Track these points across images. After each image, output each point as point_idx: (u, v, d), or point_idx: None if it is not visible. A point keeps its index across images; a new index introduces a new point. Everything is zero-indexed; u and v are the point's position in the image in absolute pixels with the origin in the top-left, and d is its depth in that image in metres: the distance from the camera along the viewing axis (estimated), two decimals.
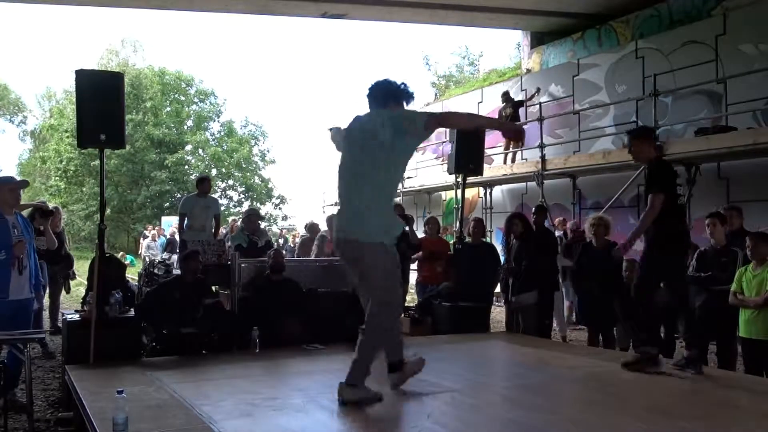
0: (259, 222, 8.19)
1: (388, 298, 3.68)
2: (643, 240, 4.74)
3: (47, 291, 7.57)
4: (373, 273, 3.65)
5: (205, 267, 5.97)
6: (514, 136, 3.82)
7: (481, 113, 14.48)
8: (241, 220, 10.28)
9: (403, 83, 3.86)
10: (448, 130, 14.87)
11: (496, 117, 12.85)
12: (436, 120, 3.75)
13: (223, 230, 14.20)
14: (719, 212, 5.71)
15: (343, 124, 3.96)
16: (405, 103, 3.86)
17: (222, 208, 33.70)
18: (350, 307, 5.94)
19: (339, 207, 3.88)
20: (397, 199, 14.22)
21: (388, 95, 3.83)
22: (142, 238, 22.48)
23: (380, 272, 3.65)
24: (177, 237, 11.69)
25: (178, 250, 9.45)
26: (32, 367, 4.70)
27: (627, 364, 4.62)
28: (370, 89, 3.87)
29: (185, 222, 8.37)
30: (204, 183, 8.65)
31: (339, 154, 3.91)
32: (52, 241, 6.86)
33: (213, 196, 9.40)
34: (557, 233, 9.34)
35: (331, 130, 4.17)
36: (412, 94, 3.91)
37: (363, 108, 3.94)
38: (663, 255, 4.50)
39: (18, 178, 5.45)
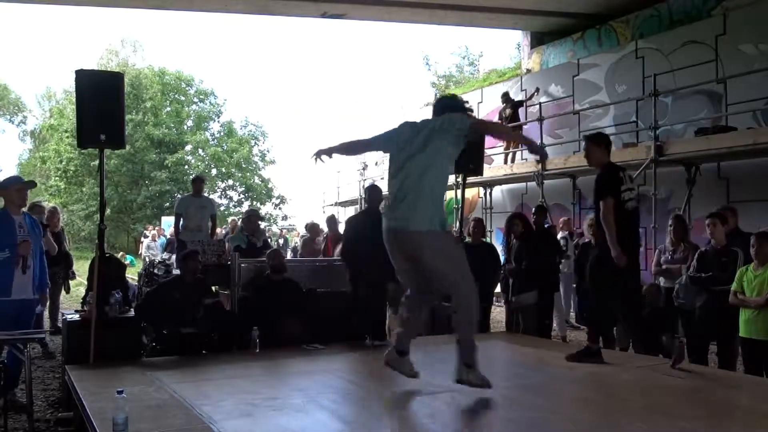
0: (259, 222, 8.19)
1: (462, 274, 3.86)
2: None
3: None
4: (440, 257, 3.79)
5: (205, 267, 5.97)
6: (540, 156, 4.21)
7: (480, 113, 14.50)
8: (241, 219, 10.29)
9: (467, 101, 4.26)
10: None
11: (496, 118, 12.87)
12: (477, 124, 4.02)
13: (222, 231, 14.20)
14: (720, 212, 5.71)
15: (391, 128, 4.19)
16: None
17: (222, 208, 33.39)
18: (350, 307, 5.97)
19: (394, 201, 3.94)
20: None
21: (448, 107, 4.05)
22: (142, 238, 22.48)
23: (446, 254, 3.82)
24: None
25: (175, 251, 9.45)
26: (32, 367, 4.70)
27: (569, 356, 4.91)
28: (435, 102, 4.19)
29: (181, 222, 8.39)
30: (196, 183, 8.68)
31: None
32: (51, 246, 6.89)
33: (208, 196, 9.42)
34: (561, 234, 9.34)
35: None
36: (470, 111, 4.29)
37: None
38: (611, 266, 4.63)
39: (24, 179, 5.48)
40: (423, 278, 3.94)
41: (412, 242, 3.78)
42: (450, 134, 3.84)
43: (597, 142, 4.97)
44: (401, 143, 3.96)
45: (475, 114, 13.82)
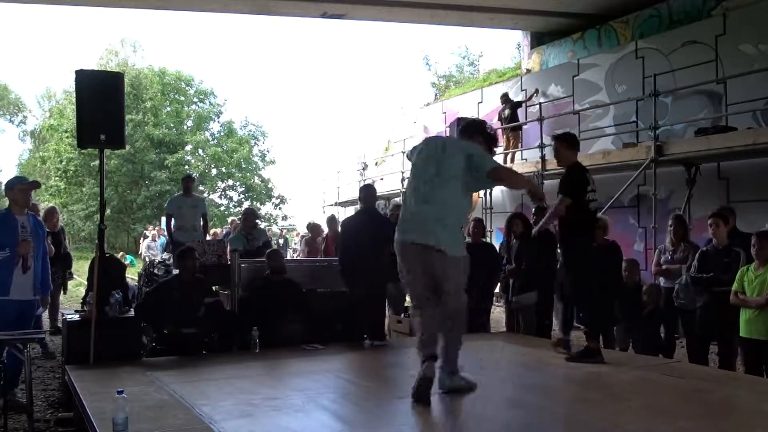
0: (257, 221, 8.20)
1: (461, 300, 3.87)
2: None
3: None
4: (450, 283, 3.78)
5: (205, 267, 5.97)
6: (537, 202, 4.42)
7: (480, 113, 14.51)
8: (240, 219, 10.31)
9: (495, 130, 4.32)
10: (448, 126, 14.96)
11: (495, 118, 12.87)
12: (498, 171, 4.02)
13: (223, 231, 14.19)
14: (722, 212, 5.69)
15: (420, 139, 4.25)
16: (487, 145, 4.14)
17: (222, 208, 33.10)
18: (349, 308, 5.97)
19: (409, 214, 3.91)
20: (397, 200, 14.22)
21: (478, 131, 4.18)
22: (142, 238, 22.47)
23: (457, 283, 3.81)
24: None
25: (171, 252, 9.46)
26: (32, 367, 4.70)
27: (569, 356, 4.94)
28: (466, 123, 4.28)
29: (173, 222, 8.39)
30: (186, 182, 8.71)
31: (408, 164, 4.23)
32: (50, 250, 6.90)
33: (199, 194, 9.45)
34: None
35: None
36: (497, 142, 4.43)
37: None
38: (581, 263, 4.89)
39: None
40: (429, 288, 3.86)
41: (436, 260, 3.73)
42: (470, 171, 3.84)
43: (566, 143, 5.05)
44: (423, 156, 3.97)
45: (475, 116, 13.88)
